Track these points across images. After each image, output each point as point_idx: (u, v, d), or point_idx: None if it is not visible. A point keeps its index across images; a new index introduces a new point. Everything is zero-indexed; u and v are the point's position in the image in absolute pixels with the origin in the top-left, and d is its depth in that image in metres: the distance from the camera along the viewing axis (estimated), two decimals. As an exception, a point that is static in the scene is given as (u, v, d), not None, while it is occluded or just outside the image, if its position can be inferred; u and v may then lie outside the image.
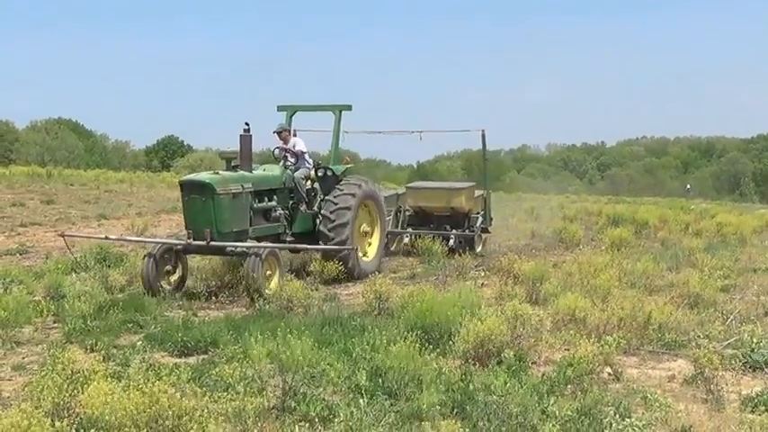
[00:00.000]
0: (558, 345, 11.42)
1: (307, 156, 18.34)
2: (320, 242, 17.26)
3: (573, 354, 10.16)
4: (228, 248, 15.27)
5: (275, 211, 17.08)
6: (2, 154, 78.00)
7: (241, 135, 16.66)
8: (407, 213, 23.12)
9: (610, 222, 30.55)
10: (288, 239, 17.19)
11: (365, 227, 18.67)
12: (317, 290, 15.92)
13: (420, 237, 21.34)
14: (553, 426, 8.07)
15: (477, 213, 23.10)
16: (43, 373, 8.39)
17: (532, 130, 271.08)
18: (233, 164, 16.41)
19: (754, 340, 11.22)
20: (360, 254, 17.95)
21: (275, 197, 17.21)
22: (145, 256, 15.54)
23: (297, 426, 8.02)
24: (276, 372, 9.12)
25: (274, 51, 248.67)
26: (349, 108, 19.11)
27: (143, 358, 10.55)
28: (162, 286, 15.22)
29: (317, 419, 8.26)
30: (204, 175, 15.94)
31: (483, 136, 23.67)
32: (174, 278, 15.79)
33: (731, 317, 13.49)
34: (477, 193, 23.44)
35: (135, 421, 7.02)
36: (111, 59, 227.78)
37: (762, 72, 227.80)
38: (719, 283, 16.47)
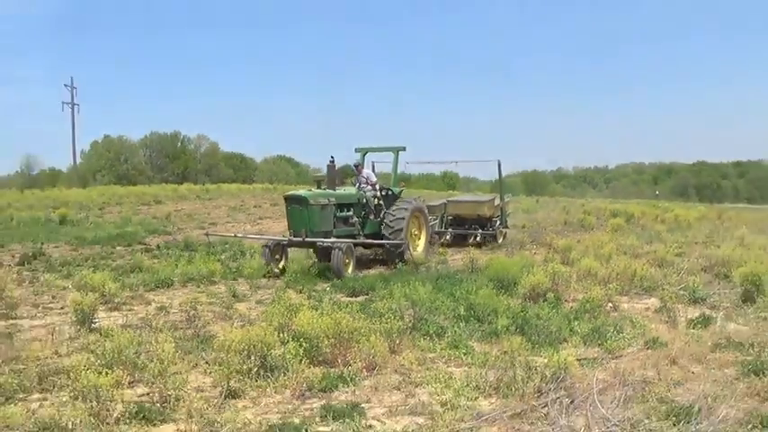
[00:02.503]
0: (580, 289, 11.04)
1: (374, 179, 15.79)
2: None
3: (589, 295, 9.95)
4: (318, 243, 13.49)
5: (352, 218, 14.81)
6: (248, 176, 79.93)
7: (328, 165, 14.63)
8: (448, 218, 20.55)
9: (611, 215, 29.87)
10: (361, 238, 14.90)
11: (415, 230, 16.10)
12: (433, 257, 15.80)
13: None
14: (577, 338, 8.00)
15: (497, 218, 20.53)
16: (273, 305, 8.56)
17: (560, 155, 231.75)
18: (322, 184, 14.49)
19: (695, 285, 11.13)
20: (411, 248, 15.71)
21: (352, 209, 14.94)
22: (263, 246, 13.98)
23: (422, 338, 7.94)
24: (409, 306, 9.05)
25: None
26: (404, 149, 16.28)
27: (330, 298, 10.62)
28: (273, 269, 13.20)
29: (434, 335, 8.14)
30: (302, 191, 14.14)
31: (499, 165, 20.98)
32: (280, 266, 13.57)
33: (682, 271, 13.00)
34: (497, 203, 20.77)
35: (326, 334, 7.05)
36: (317, 106, 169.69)
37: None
38: (675, 251, 16.25)
